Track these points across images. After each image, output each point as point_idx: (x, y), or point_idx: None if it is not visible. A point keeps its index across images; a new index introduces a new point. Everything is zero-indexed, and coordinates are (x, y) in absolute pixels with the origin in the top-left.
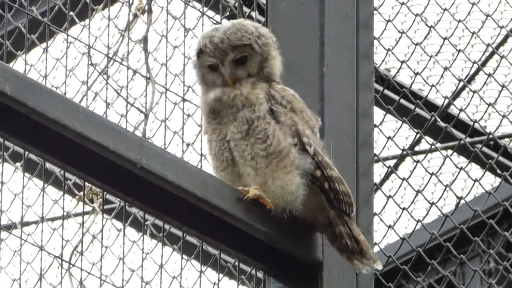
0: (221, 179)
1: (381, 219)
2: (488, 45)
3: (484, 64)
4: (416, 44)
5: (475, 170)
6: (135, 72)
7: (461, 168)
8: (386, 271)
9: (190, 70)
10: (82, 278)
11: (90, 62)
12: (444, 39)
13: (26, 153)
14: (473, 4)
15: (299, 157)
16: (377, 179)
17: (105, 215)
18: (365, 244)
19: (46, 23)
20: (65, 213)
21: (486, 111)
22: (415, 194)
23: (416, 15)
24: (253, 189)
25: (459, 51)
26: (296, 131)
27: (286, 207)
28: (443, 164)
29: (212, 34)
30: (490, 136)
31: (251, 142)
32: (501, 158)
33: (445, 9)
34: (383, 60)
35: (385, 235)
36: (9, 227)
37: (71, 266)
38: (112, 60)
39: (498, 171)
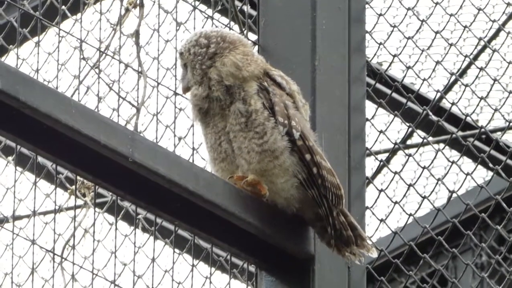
0: (220, 171)
1: (373, 213)
2: (480, 39)
3: (476, 58)
4: (408, 38)
5: (467, 163)
6: (127, 66)
7: (453, 162)
8: (378, 265)
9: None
10: (74, 272)
11: (82, 56)
12: (436, 33)
13: (18, 147)
14: None
15: (290, 159)
16: (369, 173)
17: (97, 209)
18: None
19: (38, 17)
20: (57, 207)
21: (478, 105)
22: (407, 188)
23: (408, 9)
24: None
25: (451, 45)
26: (287, 115)
27: (281, 201)
28: (435, 157)
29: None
30: (482, 129)
31: (249, 136)
32: (493, 152)
33: (437, 3)
34: (375, 54)
35: (377, 229)
36: (1, 221)
37: (63, 260)
38: (104, 54)
39: (490, 165)
